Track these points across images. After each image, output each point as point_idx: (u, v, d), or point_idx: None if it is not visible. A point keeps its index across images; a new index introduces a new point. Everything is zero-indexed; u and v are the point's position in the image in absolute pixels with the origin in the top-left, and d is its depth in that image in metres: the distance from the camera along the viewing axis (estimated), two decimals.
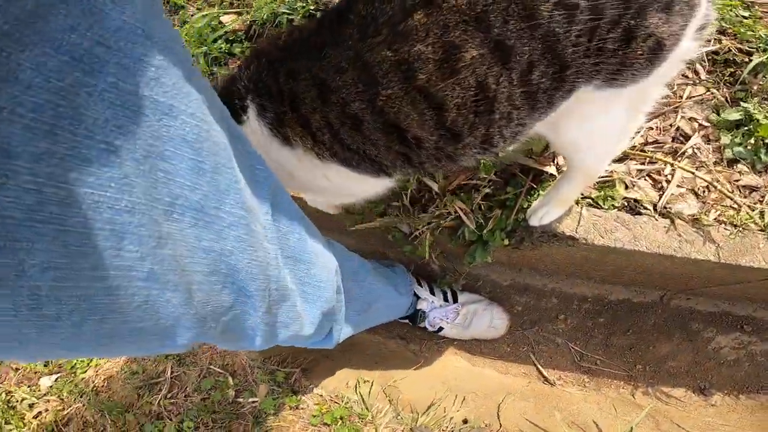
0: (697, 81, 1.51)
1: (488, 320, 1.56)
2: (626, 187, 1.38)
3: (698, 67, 1.51)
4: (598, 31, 0.76)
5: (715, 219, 1.32)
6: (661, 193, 1.38)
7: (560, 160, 1.41)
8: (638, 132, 1.42)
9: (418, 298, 1.55)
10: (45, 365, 1.70)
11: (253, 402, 1.48)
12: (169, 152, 0.54)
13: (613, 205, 1.36)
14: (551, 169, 1.40)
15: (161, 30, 0.53)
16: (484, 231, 1.40)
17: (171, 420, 1.47)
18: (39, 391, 1.64)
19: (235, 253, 0.67)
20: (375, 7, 0.81)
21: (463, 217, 1.42)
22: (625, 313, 1.50)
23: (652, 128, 1.46)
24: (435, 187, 1.49)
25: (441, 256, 1.58)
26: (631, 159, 1.42)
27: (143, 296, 0.55)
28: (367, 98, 0.84)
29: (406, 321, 1.60)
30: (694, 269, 1.30)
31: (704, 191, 1.38)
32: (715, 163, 1.41)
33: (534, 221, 1.32)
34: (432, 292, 1.58)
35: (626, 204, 1.37)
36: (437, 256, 1.57)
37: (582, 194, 1.38)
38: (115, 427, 1.48)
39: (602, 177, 1.37)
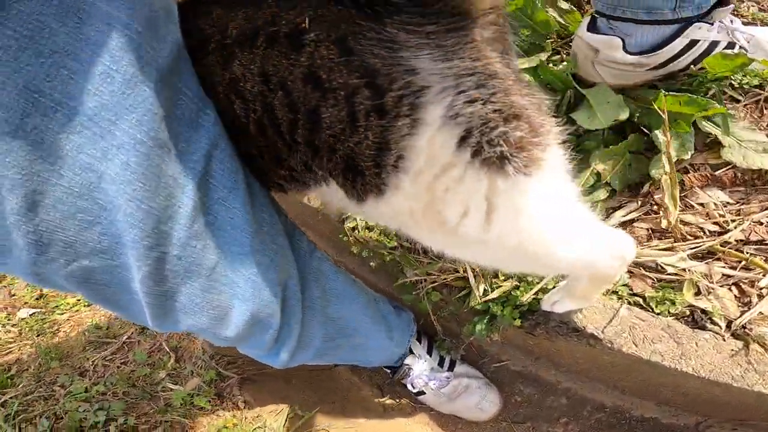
0: None
1: (477, 400, 1.17)
2: (698, 293, 0.92)
3: None
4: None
5: None
6: (744, 309, 0.90)
7: None
8: (739, 224, 0.96)
9: (411, 352, 1.21)
10: (37, 299, 1.55)
11: (175, 390, 1.22)
12: (85, 54, 0.47)
13: (669, 311, 0.91)
14: None
15: None
16: (490, 302, 1.03)
17: (89, 379, 1.24)
18: (10, 321, 1.48)
19: (117, 183, 0.52)
20: None
21: (471, 279, 1.06)
22: None
23: (761, 223, 0.97)
24: None
25: (450, 316, 1.22)
26: (718, 258, 0.95)
27: None
28: None
29: (388, 371, 1.26)
30: (753, 402, 0.85)
31: None
32: None
33: (545, 305, 0.96)
34: (429, 353, 1.23)
35: (688, 313, 0.91)
36: (443, 317, 1.22)
37: (631, 289, 0.95)
38: (37, 371, 1.28)
39: (670, 275, 0.93)
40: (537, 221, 0.60)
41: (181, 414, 1.19)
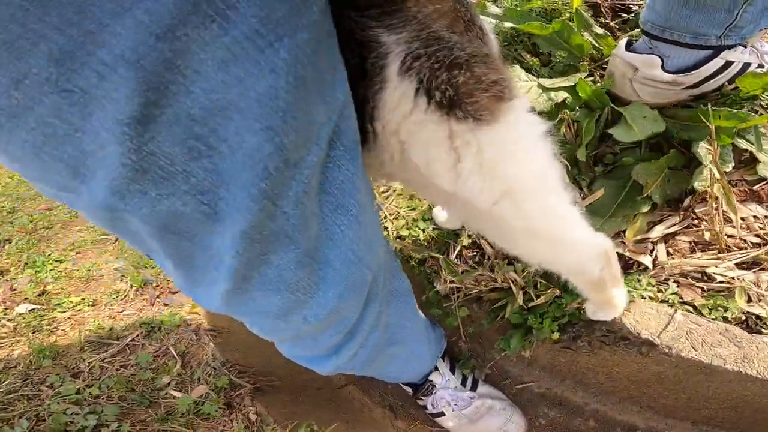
0: None
1: (502, 422, 1.05)
2: (749, 300, 0.86)
3: None
4: None
5: None
6: None
7: (660, 253, 0.94)
8: None
9: (435, 369, 1.09)
10: (39, 295, 1.40)
11: (178, 397, 1.06)
12: None
13: (723, 316, 0.84)
14: (646, 260, 0.93)
15: None
16: (529, 314, 0.95)
17: (82, 381, 1.07)
18: (7, 315, 1.32)
19: (254, 109, 0.42)
20: None
21: (513, 288, 0.97)
22: None
23: None
24: (489, 248, 1.08)
25: (474, 335, 1.12)
26: (763, 268, 0.89)
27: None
28: None
29: (409, 388, 1.12)
30: None
31: None
32: None
33: (589, 313, 0.88)
34: (452, 371, 1.12)
35: (743, 319, 0.85)
36: (469, 334, 1.12)
37: (680, 297, 0.88)
38: (26, 369, 1.11)
39: (719, 283, 0.87)
40: (503, 183, 0.61)
41: (182, 423, 1.03)
